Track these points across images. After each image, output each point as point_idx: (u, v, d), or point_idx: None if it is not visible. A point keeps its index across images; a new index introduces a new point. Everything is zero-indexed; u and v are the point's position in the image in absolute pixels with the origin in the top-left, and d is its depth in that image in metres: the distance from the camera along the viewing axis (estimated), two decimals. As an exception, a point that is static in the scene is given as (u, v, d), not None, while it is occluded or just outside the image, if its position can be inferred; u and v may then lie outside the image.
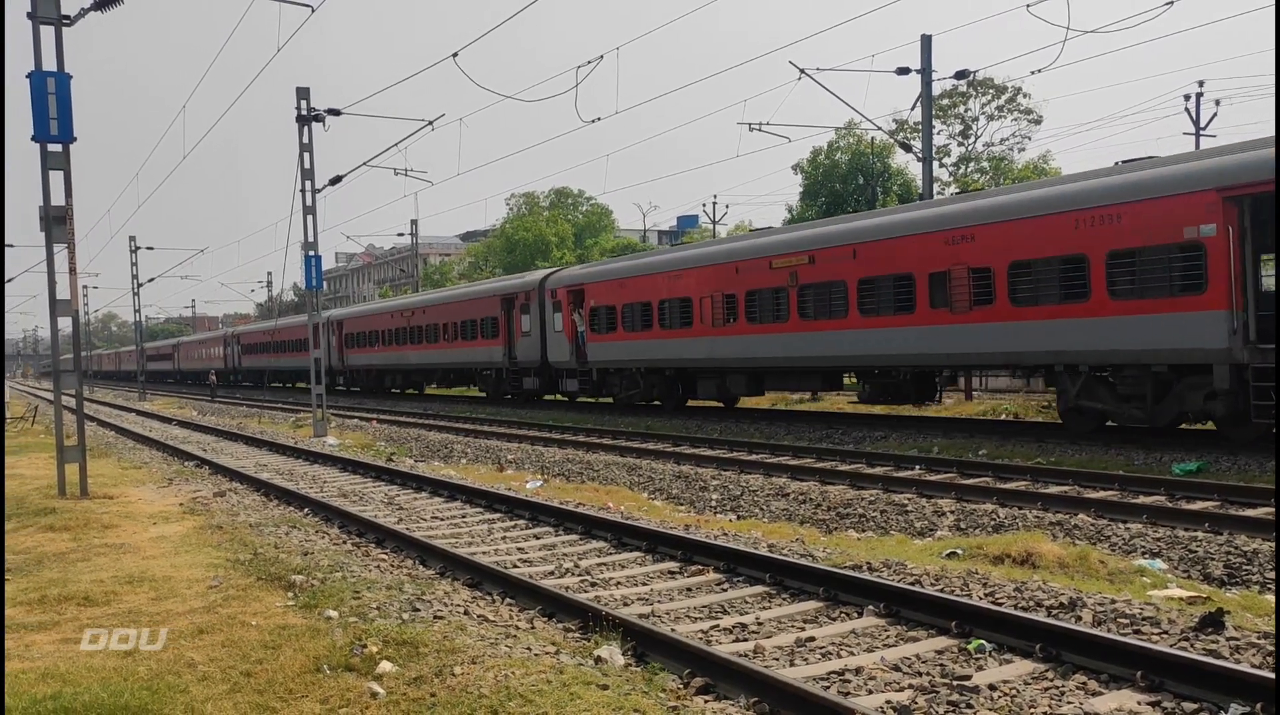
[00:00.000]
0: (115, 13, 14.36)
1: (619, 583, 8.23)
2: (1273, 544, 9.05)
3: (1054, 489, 12.25)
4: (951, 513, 11.57)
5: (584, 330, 27.24)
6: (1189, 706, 4.94)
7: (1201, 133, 38.92)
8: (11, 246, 63.00)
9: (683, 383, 24.96)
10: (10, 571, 8.82)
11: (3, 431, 17.71)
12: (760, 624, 6.79)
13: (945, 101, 47.11)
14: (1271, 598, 7.57)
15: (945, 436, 17.48)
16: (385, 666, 5.58)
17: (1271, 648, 5.64)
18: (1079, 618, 6.40)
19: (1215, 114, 46.71)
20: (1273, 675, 4.83)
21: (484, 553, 9.50)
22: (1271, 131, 14.00)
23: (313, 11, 18.30)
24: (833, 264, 19.12)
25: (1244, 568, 8.84)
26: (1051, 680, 5.44)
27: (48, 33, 13.23)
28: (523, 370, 30.87)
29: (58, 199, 13.33)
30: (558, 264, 55.71)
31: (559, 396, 31.63)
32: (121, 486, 14.90)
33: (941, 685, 5.34)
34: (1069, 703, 5.08)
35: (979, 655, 5.89)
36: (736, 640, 6.44)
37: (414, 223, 58.92)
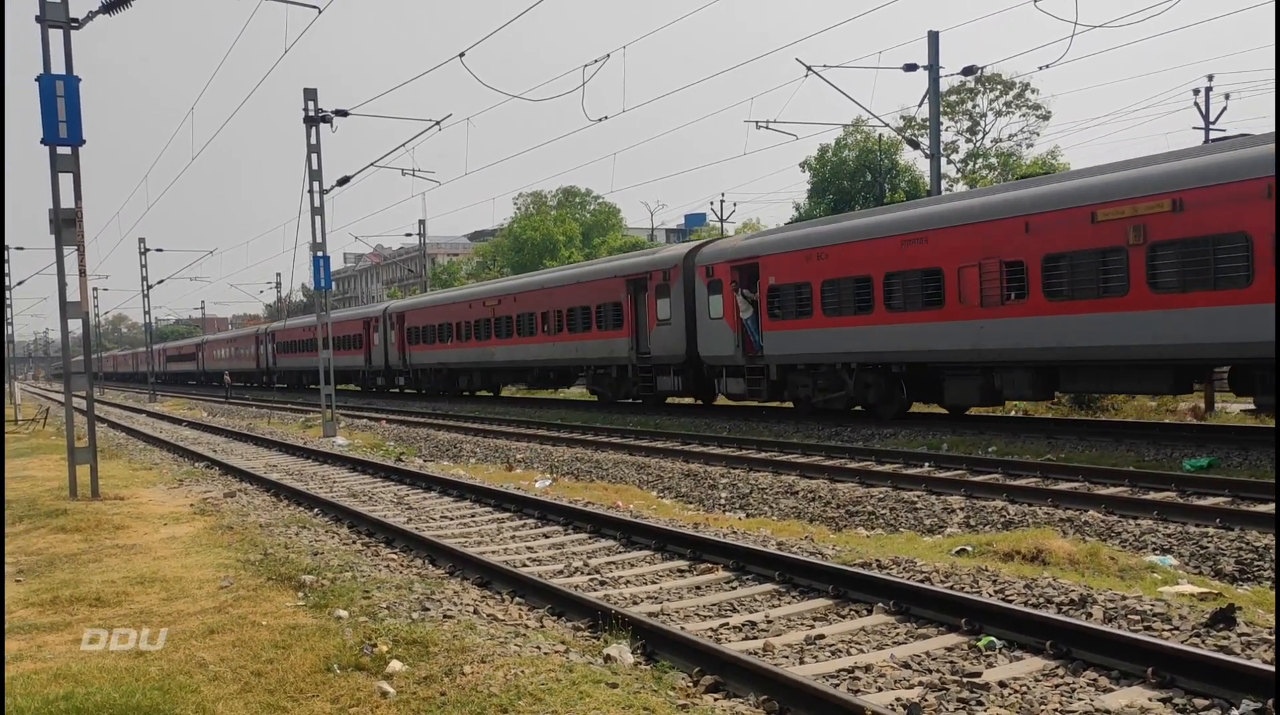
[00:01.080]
0: (123, 15, 14.42)
1: (628, 581, 8.24)
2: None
3: (1064, 485, 12.21)
4: (961, 510, 11.54)
5: (750, 316, 21.85)
6: (1200, 703, 4.92)
7: (1211, 127, 38.75)
8: (21, 249, 63.47)
9: (909, 383, 19.16)
10: (23, 573, 8.87)
11: (2, 433, 17.81)
12: (770, 622, 6.79)
13: (953, 98, 46.96)
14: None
15: (954, 433, 17.43)
16: (395, 666, 5.59)
17: (1283, 644, 5.61)
18: (1089, 614, 6.38)
19: (1225, 108, 46.63)
20: (1285, 671, 4.80)
21: (493, 552, 9.51)
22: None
23: (320, 13, 18.34)
24: (1213, 210, 13.13)
25: (1255, 564, 8.80)
26: (1062, 677, 5.42)
27: (56, 36, 13.30)
28: (658, 367, 25.32)
29: (67, 202, 13.42)
30: (566, 262, 55.30)
31: (711, 401, 26.30)
32: (132, 487, 14.97)
33: (952, 682, 5.33)
34: (1080, 699, 5.06)
35: (989, 652, 5.88)
36: (746, 638, 6.43)
37: (422, 223, 58.99)
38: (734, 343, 22.03)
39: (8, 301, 52.86)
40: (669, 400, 27.19)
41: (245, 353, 62.09)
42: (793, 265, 20.40)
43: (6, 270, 48.39)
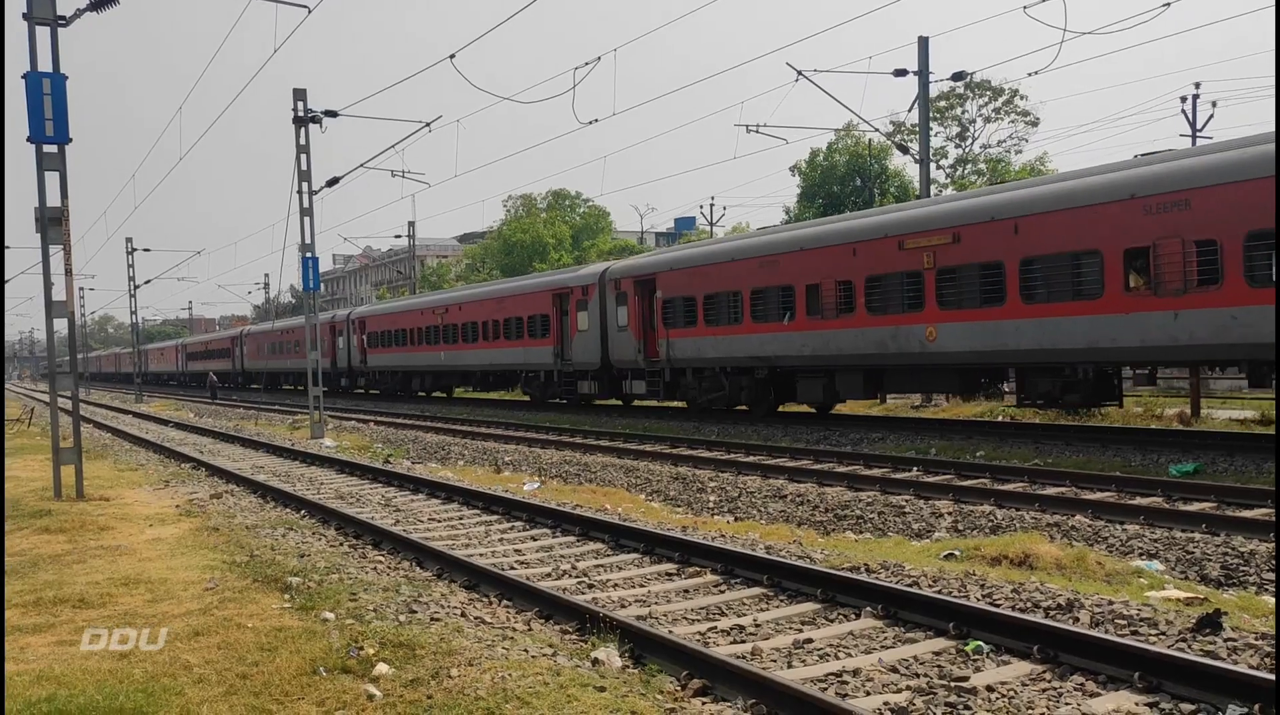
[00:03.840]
0: (111, 14, 14.36)
1: (616, 584, 8.22)
2: (1270, 545, 9.06)
3: (1051, 490, 12.25)
4: (949, 514, 11.56)
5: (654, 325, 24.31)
6: (1186, 708, 4.94)
7: (1198, 134, 39.00)
8: (9, 248, 62.89)
9: (775, 385, 21.99)
10: (6, 574, 8.80)
11: (2, 433, 17.67)
12: (758, 626, 6.78)
13: (942, 103, 47.14)
14: (1269, 599, 7.57)
15: (943, 438, 17.48)
16: (382, 668, 5.57)
17: (1269, 649, 5.64)
18: (1077, 619, 6.40)
19: (1212, 115, 46.93)
20: (1272, 676, 4.82)
21: (481, 554, 9.49)
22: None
23: (309, 12, 18.30)
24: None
25: (1241, 569, 8.84)
26: (1049, 681, 5.43)
27: (43, 34, 13.23)
28: (578, 372, 27.97)
29: (54, 200, 13.33)
30: (555, 266, 55.40)
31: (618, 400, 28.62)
32: (118, 488, 14.87)
33: (939, 686, 5.33)
34: (1067, 704, 5.07)
35: (977, 656, 5.88)
36: (734, 642, 6.43)
37: (411, 224, 58.80)
38: (636, 349, 24.81)
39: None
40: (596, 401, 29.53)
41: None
42: (681, 281, 23.57)
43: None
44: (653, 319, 24.43)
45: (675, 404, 26.37)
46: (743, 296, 21.34)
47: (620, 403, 28.91)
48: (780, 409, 23.28)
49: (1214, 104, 45.56)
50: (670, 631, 6.49)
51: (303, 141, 25.27)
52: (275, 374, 56.01)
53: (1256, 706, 4.72)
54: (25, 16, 13.17)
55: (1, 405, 20.60)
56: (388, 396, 43.12)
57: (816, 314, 19.48)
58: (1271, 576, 8.43)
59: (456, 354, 34.99)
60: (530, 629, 6.73)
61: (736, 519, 13.00)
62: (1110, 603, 6.66)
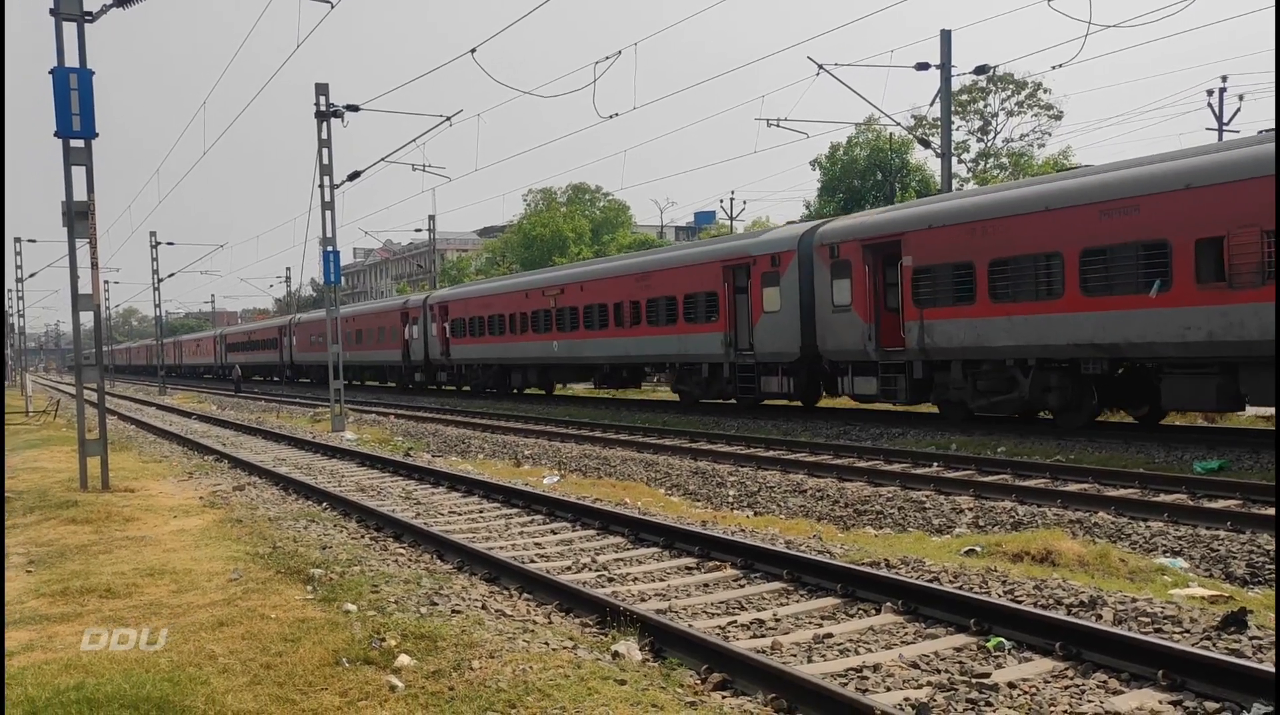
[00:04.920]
0: (136, 9, 14.46)
1: (636, 578, 8.24)
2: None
3: (1073, 487, 12.17)
4: (970, 510, 11.51)
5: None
6: (1211, 706, 4.90)
7: (1225, 128, 38.57)
8: (33, 242, 63.64)
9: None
10: (34, 564, 8.92)
11: (2, 426, 17.90)
12: (778, 620, 6.78)
13: (964, 97, 46.83)
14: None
15: (963, 433, 17.39)
16: (404, 660, 5.60)
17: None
18: (1099, 616, 6.36)
19: (1239, 109, 46.36)
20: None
21: (501, 547, 9.52)
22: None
23: (332, 7, 18.35)
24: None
25: (1267, 567, 8.75)
26: (1072, 679, 5.41)
27: (70, 29, 13.34)
28: (767, 365, 21.88)
29: (80, 194, 13.45)
30: (575, 260, 55.05)
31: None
32: (142, 480, 15.03)
33: (960, 683, 5.31)
34: (1089, 701, 5.05)
35: (998, 653, 5.86)
36: (754, 636, 6.43)
37: (431, 218, 58.98)
38: (864, 335, 19.07)
39: (19, 293, 53.08)
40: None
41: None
42: (945, 243, 17.51)
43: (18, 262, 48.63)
44: (894, 295, 18.76)
45: (921, 408, 20.72)
46: (1065, 260, 15.40)
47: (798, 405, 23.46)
48: (1099, 419, 17.36)
49: (1240, 97, 45.07)
50: (690, 625, 6.50)
51: (324, 136, 25.39)
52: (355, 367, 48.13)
53: (1282, 705, 4.68)
54: (52, 12, 13.29)
55: (1, 399, 20.87)
56: (477, 394, 36.92)
57: (1217, 281, 13.42)
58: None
59: (575, 344, 29.01)
60: (551, 622, 6.75)
61: (756, 514, 12.99)
62: (1134, 600, 6.62)
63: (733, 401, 24.34)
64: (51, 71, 13.07)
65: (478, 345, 35.23)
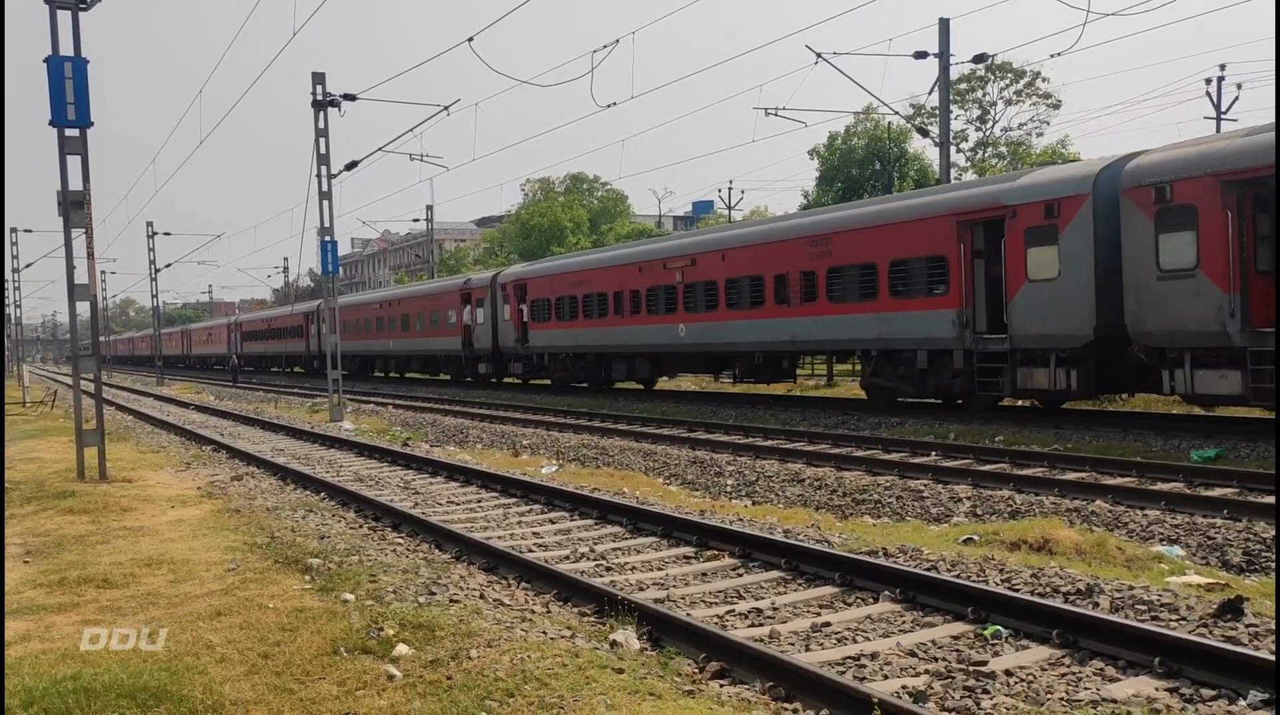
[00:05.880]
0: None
1: (634, 567, 8.25)
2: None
3: (1071, 475, 12.19)
4: (968, 499, 11.52)
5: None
6: (1207, 693, 4.91)
7: (1223, 117, 38.52)
8: (29, 232, 63.44)
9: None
10: (31, 554, 8.91)
11: (2, 420, 17.89)
12: (776, 609, 6.79)
13: (963, 86, 46.72)
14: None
15: (961, 423, 17.40)
16: (402, 649, 5.61)
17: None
18: (1096, 604, 6.37)
19: (1237, 98, 46.35)
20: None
21: (500, 537, 9.53)
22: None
23: (328, -4, 18.27)
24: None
25: (1263, 555, 8.77)
26: (1068, 666, 5.42)
27: (65, 17, 13.27)
28: (1029, 351, 16.37)
29: (75, 184, 13.41)
30: (573, 249, 54.74)
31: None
32: (140, 470, 15.02)
33: (958, 671, 5.32)
34: (1086, 689, 5.06)
35: (995, 641, 5.87)
36: (752, 625, 6.44)
37: (429, 208, 58.90)
38: (1222, 310, 13.48)
39: (15, 283, 52.97)
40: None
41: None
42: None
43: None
44: (1268, 252, 13.86)
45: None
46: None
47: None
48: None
49: (1239, 86, 45.01)
50: (688, 614, 6.51)
51: (321, 125, 25.30)
52: (369, 358, 45.26)
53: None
54: (47, 0, 13.22)
55: (1, 391, 20.84)
56: (563, 388, 31.29)
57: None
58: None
59: (712, 328, 23.61)
60: (549, 611, 6.76)
61: (754, 503, 13.00)
62: (1130, 588, 6.63)
63: (958, 402, 19.23)
64: (46, 60, 13.01)
65: (566, 330, 29.84)
